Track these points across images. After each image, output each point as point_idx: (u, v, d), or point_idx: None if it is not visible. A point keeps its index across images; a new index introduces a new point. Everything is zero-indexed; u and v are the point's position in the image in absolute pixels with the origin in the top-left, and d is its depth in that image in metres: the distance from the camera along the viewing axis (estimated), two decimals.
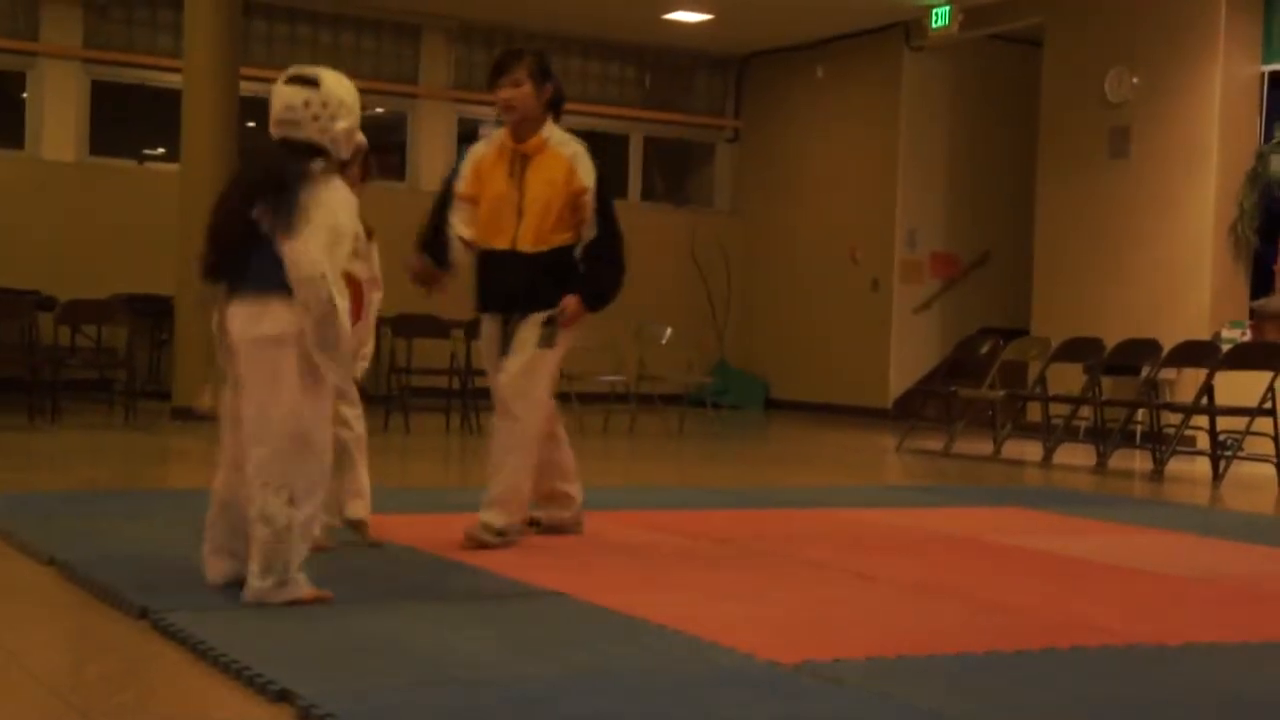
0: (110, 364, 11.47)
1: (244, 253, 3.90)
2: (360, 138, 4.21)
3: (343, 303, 3.83)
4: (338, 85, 3.99)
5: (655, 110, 15.58)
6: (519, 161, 5.19)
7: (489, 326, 5.25)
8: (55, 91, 13.05)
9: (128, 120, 13.68)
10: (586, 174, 5.24)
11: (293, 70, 4.04)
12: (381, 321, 12.04)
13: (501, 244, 5.13)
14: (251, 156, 4.30)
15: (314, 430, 3.91)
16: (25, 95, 13.06)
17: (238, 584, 3.96)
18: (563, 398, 11.14)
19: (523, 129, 5.21)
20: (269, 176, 3.89)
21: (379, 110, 14.78)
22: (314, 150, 3.91)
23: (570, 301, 5.08)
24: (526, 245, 5.10)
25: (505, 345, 5.18)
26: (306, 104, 3.93)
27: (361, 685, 3.12)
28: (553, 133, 5.26)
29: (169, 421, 10.65)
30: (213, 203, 4.08)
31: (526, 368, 5.11)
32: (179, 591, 4.05)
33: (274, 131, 3.98)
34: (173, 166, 11.95)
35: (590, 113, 15.29)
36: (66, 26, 13.05)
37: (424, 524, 5.60)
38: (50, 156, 13.01)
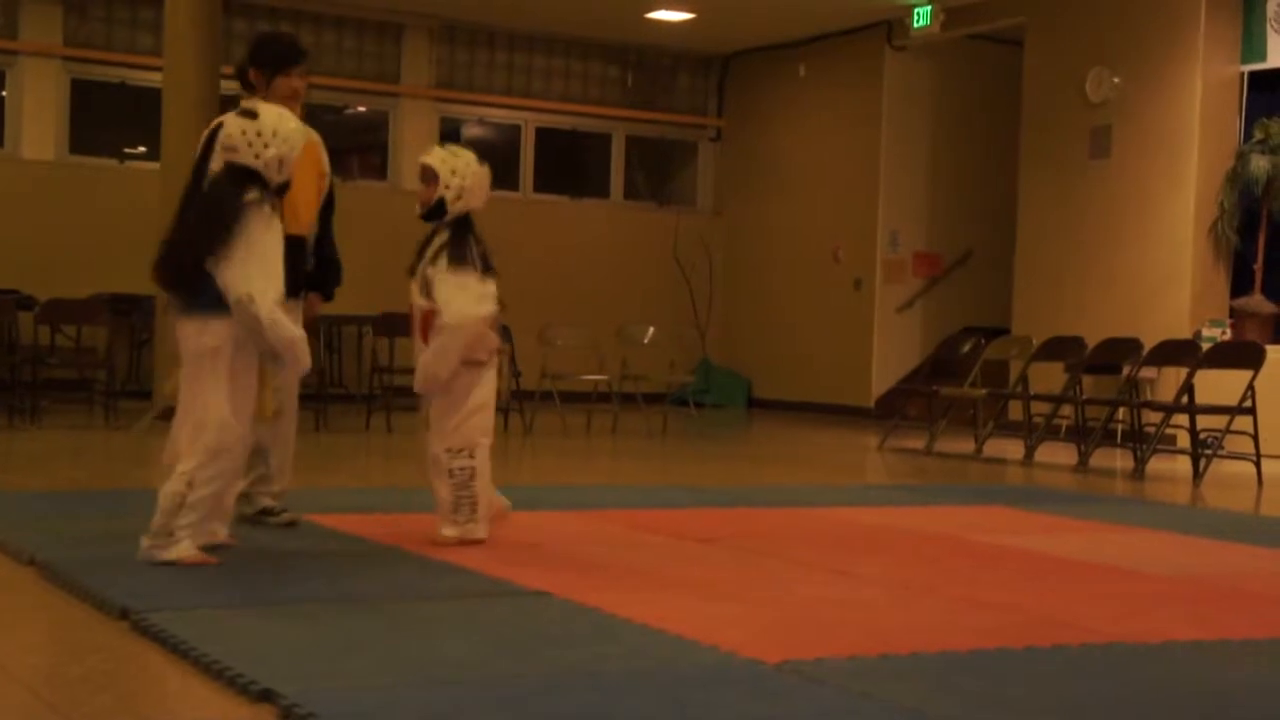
0: (90, 364, 11.42)
1: (196, 278, 4.51)
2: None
3: (271, 315, 4.44)
4: (273, 118, 4.59)
5: (637, 109, 15.58)
6: None
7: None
8: (35, 90, 13.00)
9: (108, 119, 13.63)
10: (327, 159, 5.57)
11: (240, 105, 4.69)
12: (362, 321, 12.10)
13: (301, 230, 5.31)
14: (198, 191, 4.76)
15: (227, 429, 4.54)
16: (4, 94, 13.00)
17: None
18: (546, 397, 11.19)
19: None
20: (212, 219, 4.53)
21: (361, 109, 14.76)
22: (249, 174, 4.53)
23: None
24: (295, 229, 5.16)
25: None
26: (244, 133, 4.56)
27: (344, 685, 3.11)
28: None
29: (150, 421, 10.61)
30: (166, 230, 4.69)
31: None
32: (160, 592, 4.04)
33: (222, 156, 4.64)
34: (153, 165, 11.90)
35: (572, 112, 15.30)
36: (46, 25, 12.99)
37: (407, 523, 5.59)
38: (30, 155, 12.95)
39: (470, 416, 5.04)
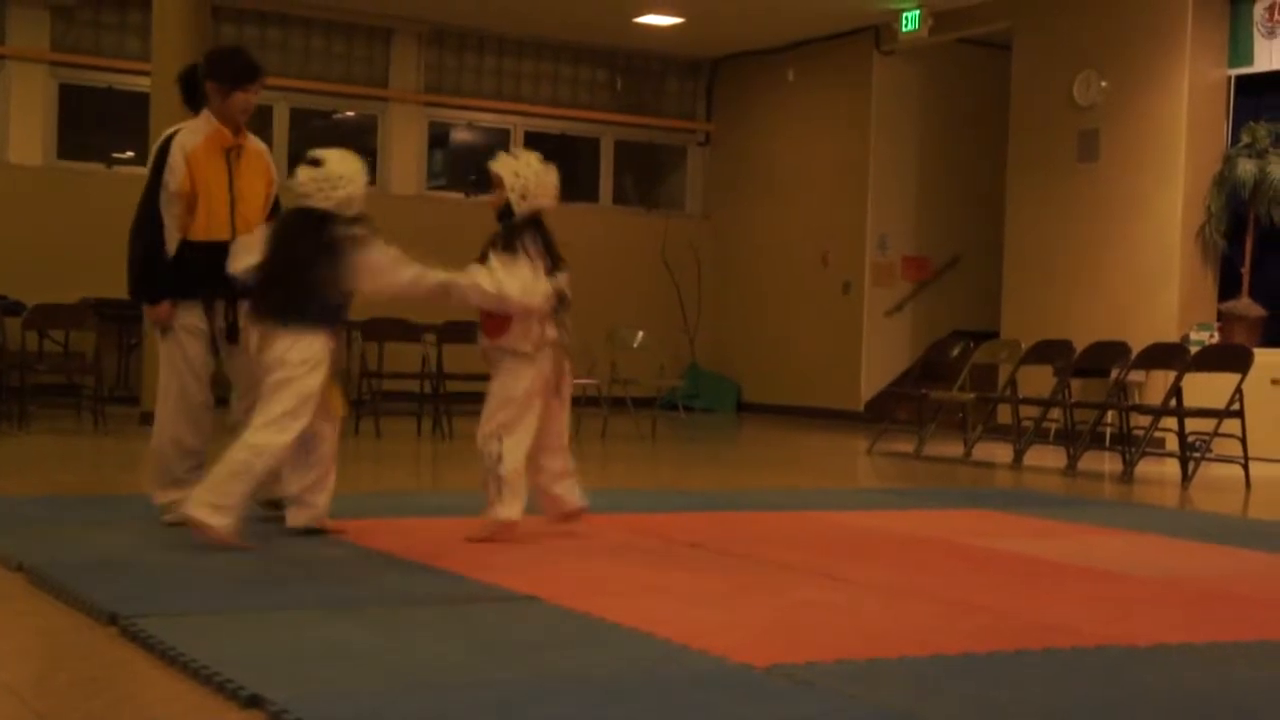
0: (78, 369, 11.40)
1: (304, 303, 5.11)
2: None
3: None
4: (336, 164, 5.19)
5: (626, 114, 15.59)
6: (233, 154, 5.54)
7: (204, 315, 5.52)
8: (22, 95, 12.97)
9: (96, 124, 13.61)
10: (274, 169, 5.79)
11: (308, 154, 5.25)
12: (350, 326, 12.08)
13: (223, 235, 5.43)
14: (292, 231, 5.25)
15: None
16: None
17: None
18: None
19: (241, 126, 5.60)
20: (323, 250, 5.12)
21: (349, 113, 14.75)
22: (325, 215, 5.13)
23: None
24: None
25: (233, 334, 5.51)
26: (313, 179, 5.17)
27: (332, 690, 3.11)
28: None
29: (138, 426, 10.59)
30: (268, 259, 5.19)
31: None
32: (149, 597, 4.03)
33: (297, 202, 5.22)
34: (141, 170, 11.82)
35: (561, 116, 15.30)
36: (33, 30, 12.97)
37: (396, 528, 5.58)
38: (17, 160, 12.93)
39: (504, 406, 5.29)
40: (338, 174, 5.17)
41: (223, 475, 4.95)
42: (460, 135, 15.41)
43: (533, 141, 15.17)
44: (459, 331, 11.01)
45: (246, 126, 5.65)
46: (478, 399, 12.30)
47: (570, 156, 15.79)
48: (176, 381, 5.56)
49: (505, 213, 5.37)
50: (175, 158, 5.42)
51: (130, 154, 13.36)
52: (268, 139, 14.67)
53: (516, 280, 5.22)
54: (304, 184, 5.18)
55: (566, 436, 5.55)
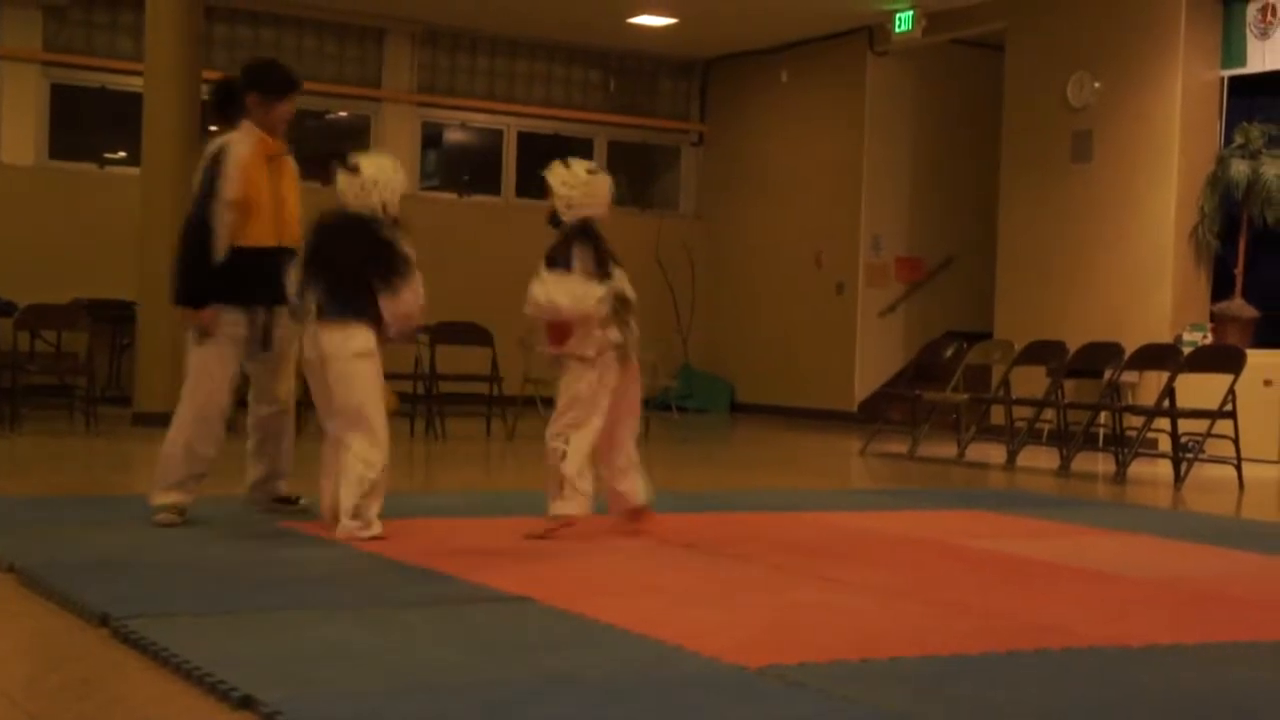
0: (70, 369, 11.38)
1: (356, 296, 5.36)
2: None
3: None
4: (372, 170, 5.45)
5: (620, 114, 15.58)
6: (274, 163, 5.74)
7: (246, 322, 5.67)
8: (14, 95, 12.95)
9: (88, 124, 13.59)
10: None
11: (348, 160, 5.51)
12: None
13: (268, 241, 5.63)
14: (333, 231, 5.48)
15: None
16: None
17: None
18: (529, 403, 11.16)
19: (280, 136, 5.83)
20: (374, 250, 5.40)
21: (342, 114, 14.74)
22: (364, 219, 5.41)
23: None
24: (289, 241, 5.67)
25: (268, 341, 5.73)
26: (350, 185, 5.43)
27: (326, 692, 3.10)
28: None
29: (130, 427, 10.58)
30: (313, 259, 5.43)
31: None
32: (141, 598, 4.02)
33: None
34: (134, 170, 11.87)
35: (555, 116, 15.30)
36: (25, 29, 12.95)
37: (390, 529, 5.58)
38: (9, 160, 12.90)
39: (570, 407, 5.46)
40: (371, 179, 5.42)
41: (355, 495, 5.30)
42: (453, 135, 15.40)
43: (526, 142, 15.18)
44: (452, 332, 11.02)
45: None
46: (471, 400, 12.36)
47: (563, 157, 15.77)
48: (204, 387, 5.71)
49: (555, 220, 5.56)
50: (231, 167, 5.56)
51: (123, 154, 13.34)
52: None
53: (565, 291, 5.39)
54: (342, 190, 5.43)
55: (633, 437, 5.67)
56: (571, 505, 5.44)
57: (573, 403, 5.47)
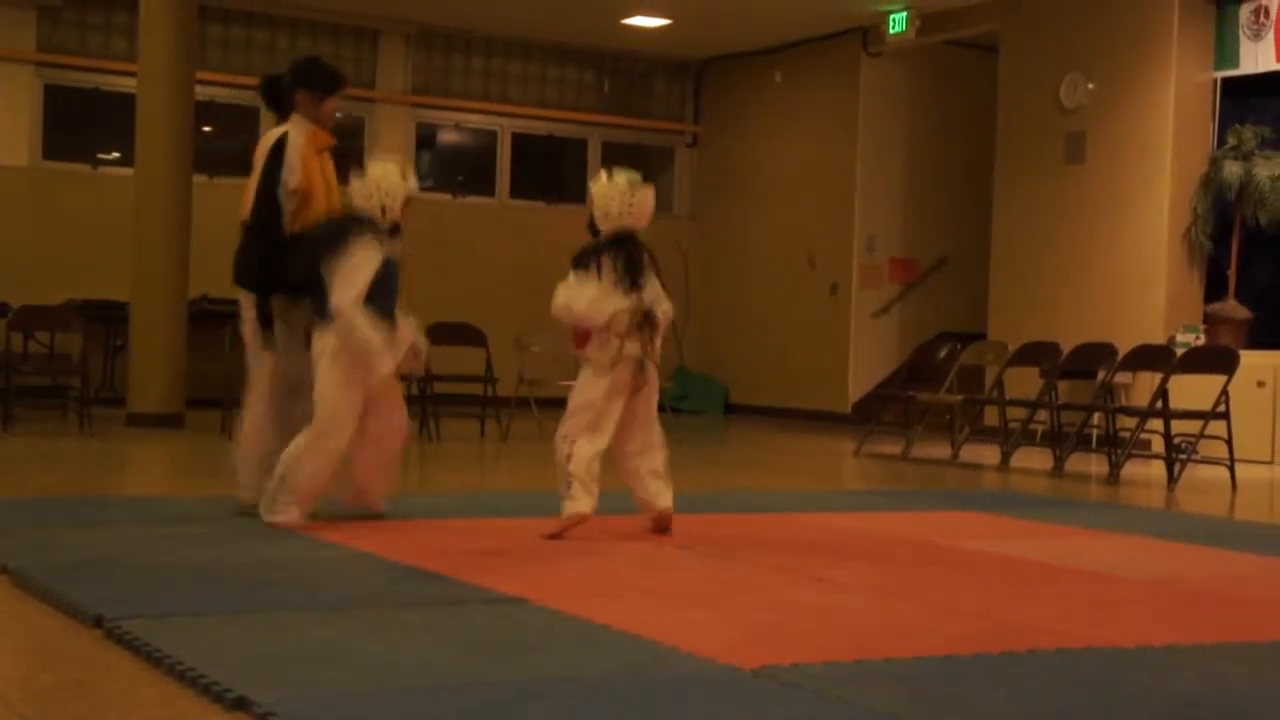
0: (64, 370, 11.36)
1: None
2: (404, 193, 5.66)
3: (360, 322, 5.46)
4: (376, 175, 5.63)
5: (614, 115, 15.58)
6: (323, 155, 5.99)
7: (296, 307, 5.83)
8: (8, 95, 12.93)
9: (82, 124, 13.57)
10: None
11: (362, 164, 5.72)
12: None
13: None
14: (324, 232, 5.70)
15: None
16: None
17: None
18: (523, 403, 11.16)
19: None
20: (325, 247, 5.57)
21: (336, 115, 14.71)
22: (360, 218, 5.58)
23: None
24: None
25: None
26: (358, 188, 5.61)
27: (320, 693, 3.10)
28: None
29: (123, 428, 10.57)
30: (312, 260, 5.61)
31: None
32: (134, 599, 4.01)
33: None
34: (127, 171, 11.86)
35: (548, 117, 15.29)
36: (19, 30, 12.93)
37: (384, 530, 5.58)
38: (3, 161, 12.88)
39: (577, 412, 5.55)
40: (374, 182, 5.59)
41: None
42: (448, 136, 15.39)
43: (520, 143, 15.18)
44: (447, 333, 11.01)
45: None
46: (465, 400, 12.34)
47: (557, 158, 15.79)
48: (272, 389, 5.85)
49: (593, 229, 5.62)
50: (293, 157, 5.79)
51: (116, 155, 13.33)
52: (254, 141, 14.65)
53: (584, 297, 5.46)
54: (353, 191, 5.64)
55: (653, 442, 5.69)
56: (581, 503, 5.49)
57: (583, 408, 5.54)
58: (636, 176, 5.68)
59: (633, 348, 5.53)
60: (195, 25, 11.41)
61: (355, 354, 5.50)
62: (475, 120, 15.12)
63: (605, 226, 5.57)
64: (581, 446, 5.50)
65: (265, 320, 5.85)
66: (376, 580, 4.54)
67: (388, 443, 5.79)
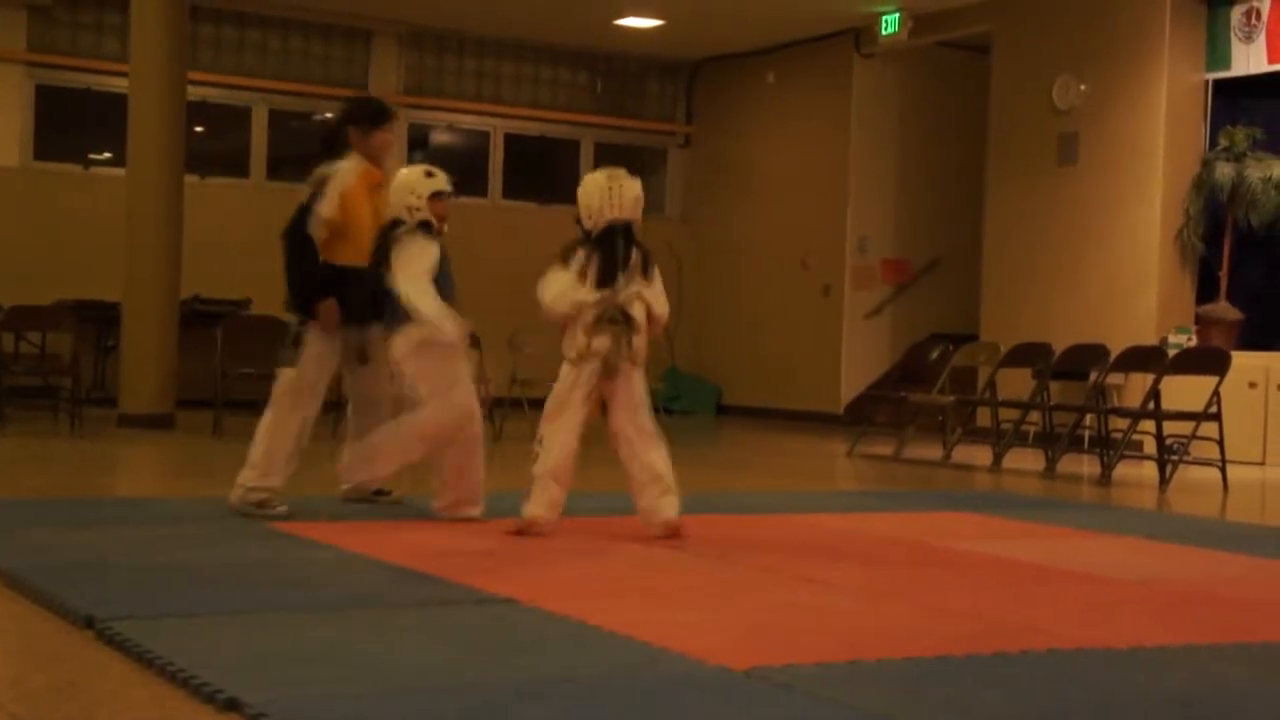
0: (55, 370, 11.34)
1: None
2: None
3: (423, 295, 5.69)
4: (397, 178, 5.85)
5: (606, 116, 15.58)
6: (377, 191, 6.15)
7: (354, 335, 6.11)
8: None
9: (73, 125, 13.55)
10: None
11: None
12: None
13: (364, 261, 5.99)
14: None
15: None
16: None
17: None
18: (515, 404, 11.15)
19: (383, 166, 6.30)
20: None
21: (328, 115, 14.71)
22: (396, 221, 5.81)
23: None
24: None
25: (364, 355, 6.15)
26: (390, 193, 5.86)
27: (312, 694, 3.09)
28: None
29: (115, 429, 10.55)
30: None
31: None
32: (126, 600, 4.01)
33: None
34: (119, 171, 11.84)
35: (541, 118, 15.29)
36: (10, 30, 12.90)
37: (375, 531, 5.57)
38: None
39: (548, 407, 5.60)
40: (399, 184, 5.79)
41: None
42: (440, 137, 15.38)
43: (513, 144, 15.17)
44: None
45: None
46: None
47: (550, 158, 15.78)
48: (309, 403, 6.05)
49: (582, 230, 5.58)
50: (331, 190, 6.00)
51: (108, 155, 13.31)
52: (245, 141, 14.69)
53: (552, 287, 5.48)
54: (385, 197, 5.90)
55: (651, 451, 5.63)
56: (534, 506, 5.49)
57: (550, 400, 5.58)
58: (619, 170, 5.66)
59: (600, 344, 5.48)
60: (187, 25, 11.40)
61: (430, 335, 5.61)
62: (468, 121, 15.11)
63: (590, 224, 5.54)
64: (547, 445, 5.50)
65: (294, 339, 6.07)
66: (369, 581, 4.54)
67: (468, 444, 5.87)
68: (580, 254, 5.50)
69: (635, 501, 5.65)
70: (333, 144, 6.24)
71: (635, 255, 5.55)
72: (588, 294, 5.46)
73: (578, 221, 5.60)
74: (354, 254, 5.96)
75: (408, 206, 5.75)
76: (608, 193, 5.53)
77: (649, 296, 5.58)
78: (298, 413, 5.95)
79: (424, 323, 5.61)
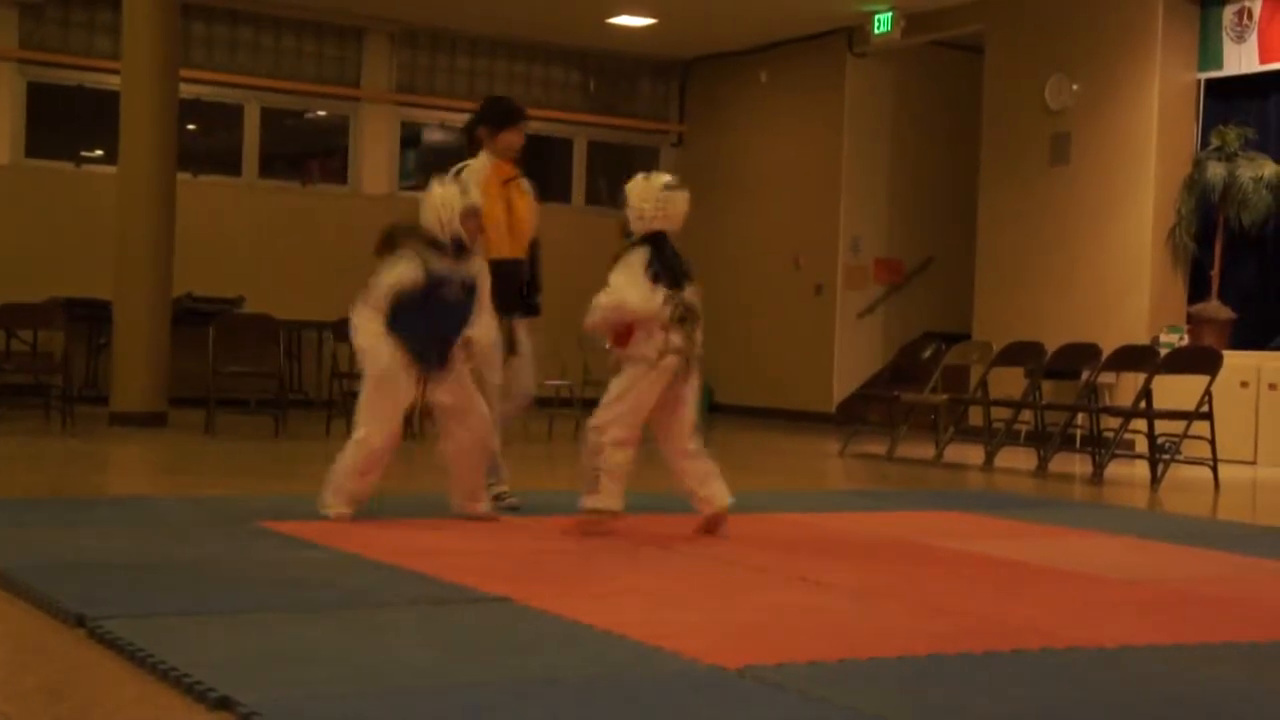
0: (47, 369, 11.33)
1: None
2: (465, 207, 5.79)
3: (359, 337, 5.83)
4: (432, 194, 5.77)
5: (599, 114, 15.57)
6: (507, 187, 6.37)
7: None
8: None
9: (65, 122, 13.53)
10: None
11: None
12: (322, 326, 12.05)
13: (501, 254, 6.17)
14: None
15: None
16: None
17: None
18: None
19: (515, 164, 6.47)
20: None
21: (321, 113, 14.70)
22: (417, 230, 5.75)
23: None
24: (519, 253, 6.38)
25: (510, 344, 6.32)
26: (423, 208, 5.80)
27: (303, 693, 3.09)
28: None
29: (106, 427, 10.54)
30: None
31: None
32: (117, 599, 4.00)
33: None
34: (110, 169, 11.82)
35: (534, 116, 15.20)
36: (2, 27, 12.88)
37: (367, 530, 5.57)
38: None
39: (614, 403, 5.63)
40: (432, 199, 5.77)
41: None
42: (432, 135, 15.36)
43: None
44: None
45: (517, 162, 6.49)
46: None
47: (543, 157, 15.76)
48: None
49: (626, 233, 5.71)
50: (468, 178, 6.13)
51: (100, 153, 13.29)
52: (238, 139, 14.66)
53: (635, 290, 5.55)
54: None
55: (697, 443, 5.75)
56: (607, 499, 5.56)
57: (621, 399, 5.60)
58: (674, 179, 5.77)
59: (676, 340, 5.58)
60: (179, 23, 11.39)
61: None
62: (460, 119, 15.02)
63: (638, 228, 5.65)
64: (613, 442, 5.56)
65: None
66: (361, 580, 4.53)
67: (468, 444, 5.93)
68: (643, 256, 5.59)
69: (692, 491, 5.75)
70: (470, 144, 6.49)
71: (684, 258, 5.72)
72: (659, 295, 5.57)
73: (625, 225, 5.69)
74: (491, 247, 6.09)
75: (440, 221, 5.75)
76: (664, 202, 5.65)
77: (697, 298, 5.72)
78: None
79: (356, 349, 5.80)
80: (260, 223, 13.59)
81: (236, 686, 3.05)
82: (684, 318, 5.61)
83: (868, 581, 4.84)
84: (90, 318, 12.11)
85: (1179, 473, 9.48)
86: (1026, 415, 10.46)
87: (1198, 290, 11.58)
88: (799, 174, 14.72)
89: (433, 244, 5.68)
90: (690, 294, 5.68)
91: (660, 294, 5.57)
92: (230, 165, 13.93)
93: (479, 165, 6.31)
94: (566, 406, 12.03)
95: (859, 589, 4.69)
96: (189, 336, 11.23)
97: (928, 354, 11.60)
